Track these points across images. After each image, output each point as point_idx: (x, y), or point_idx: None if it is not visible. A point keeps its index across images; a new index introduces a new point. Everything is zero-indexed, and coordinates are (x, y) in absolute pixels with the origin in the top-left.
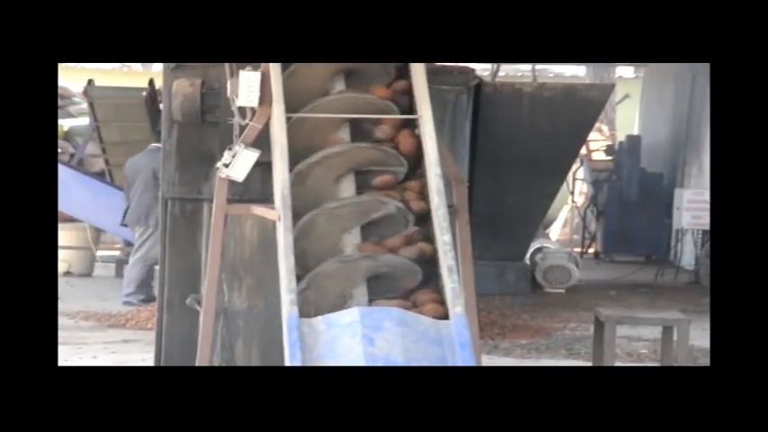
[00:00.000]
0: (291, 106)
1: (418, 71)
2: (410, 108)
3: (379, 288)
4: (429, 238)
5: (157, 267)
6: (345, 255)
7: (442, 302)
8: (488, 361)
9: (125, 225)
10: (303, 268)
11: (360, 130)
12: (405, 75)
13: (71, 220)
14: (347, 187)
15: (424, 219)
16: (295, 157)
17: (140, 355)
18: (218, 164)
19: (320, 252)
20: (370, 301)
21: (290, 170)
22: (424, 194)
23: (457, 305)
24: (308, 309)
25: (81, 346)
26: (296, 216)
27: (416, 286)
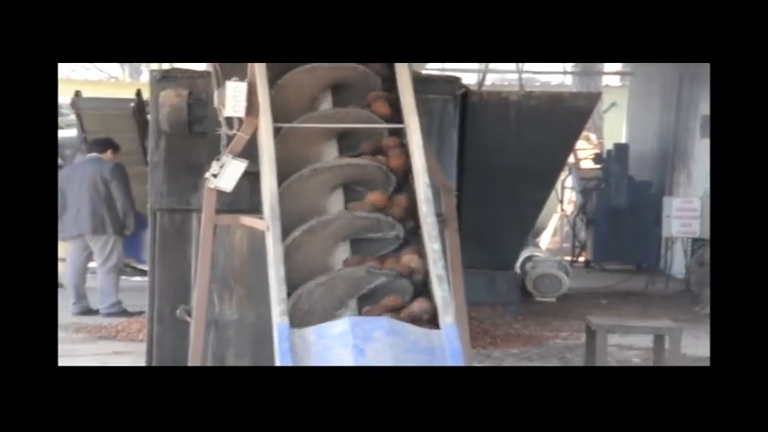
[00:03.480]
0: (279, 121)
1: (405, 81)
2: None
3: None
4: (419, 252)
5: (124, 277)
6: (327, 273)
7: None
8: None
9: (79, 235)
10: (292, 287)
11: (347, 144)
12: (392, 86)
13: None
14: (335, 203)
15: (412, 232)
16: (282, 168)
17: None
18: (207, 174)
19: (310, 271)
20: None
21: (278, 182)
22: (411, 208)
23: (447, 315)
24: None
25: (72, 357)
26: (285, 232)
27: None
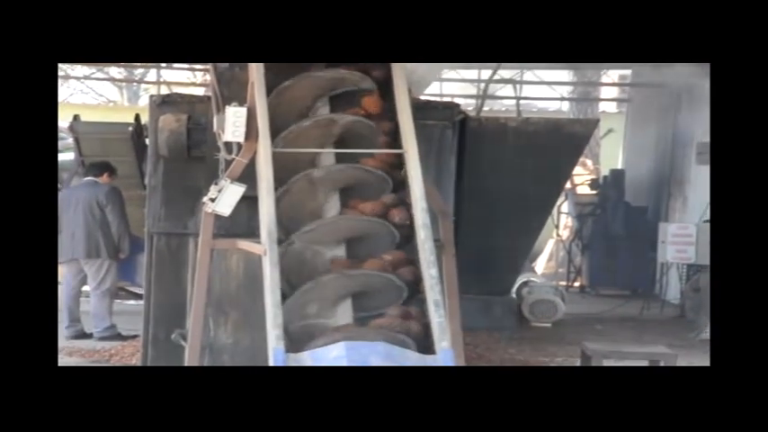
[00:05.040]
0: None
1: (404, 107)
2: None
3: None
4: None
5: (118, 301)
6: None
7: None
8: None
9: (74, 259)
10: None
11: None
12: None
13: None
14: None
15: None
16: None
17: None
18: (205, 198)
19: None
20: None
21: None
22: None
23: (443, 340)
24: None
25: None
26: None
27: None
